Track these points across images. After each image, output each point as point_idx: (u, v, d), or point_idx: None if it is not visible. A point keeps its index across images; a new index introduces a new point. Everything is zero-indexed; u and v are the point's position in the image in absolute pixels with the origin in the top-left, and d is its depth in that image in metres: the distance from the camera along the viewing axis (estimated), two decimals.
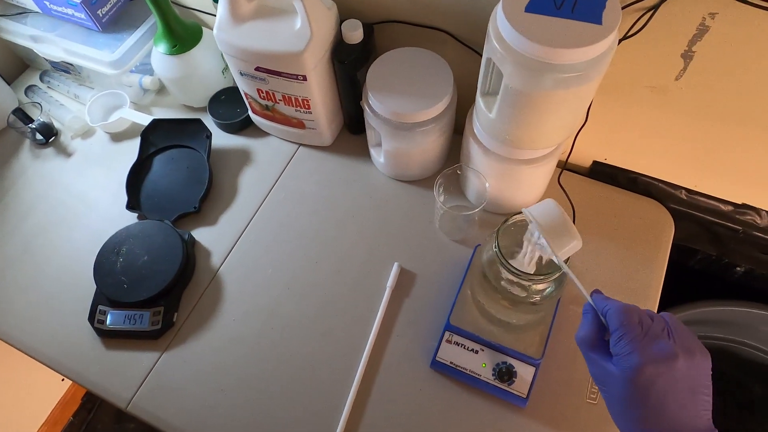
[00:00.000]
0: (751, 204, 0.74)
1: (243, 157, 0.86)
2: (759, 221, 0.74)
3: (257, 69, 0.72)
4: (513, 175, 0.68)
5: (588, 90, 0.56)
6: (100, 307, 0.72)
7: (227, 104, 0.89)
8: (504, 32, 0.52)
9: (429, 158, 0.78)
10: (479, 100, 0.63)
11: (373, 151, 0.81)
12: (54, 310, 0.75)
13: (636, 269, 0.72)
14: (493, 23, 0.55)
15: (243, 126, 0.89)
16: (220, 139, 0.88)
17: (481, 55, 0.71)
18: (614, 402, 0.42)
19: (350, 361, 0.68)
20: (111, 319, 0.71)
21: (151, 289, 0.71)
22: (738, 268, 0.84)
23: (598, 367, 0.43)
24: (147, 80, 0.92)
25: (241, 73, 0.75)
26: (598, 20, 0.50)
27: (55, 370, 0.71)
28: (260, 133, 0.89)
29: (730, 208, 0.75)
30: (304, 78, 0.71)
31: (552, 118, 0.59)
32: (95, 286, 0.73)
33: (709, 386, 0.40)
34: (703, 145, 0.69)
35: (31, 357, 0.73)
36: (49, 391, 1.46)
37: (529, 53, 0.51)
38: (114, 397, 0.68)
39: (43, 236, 0.82)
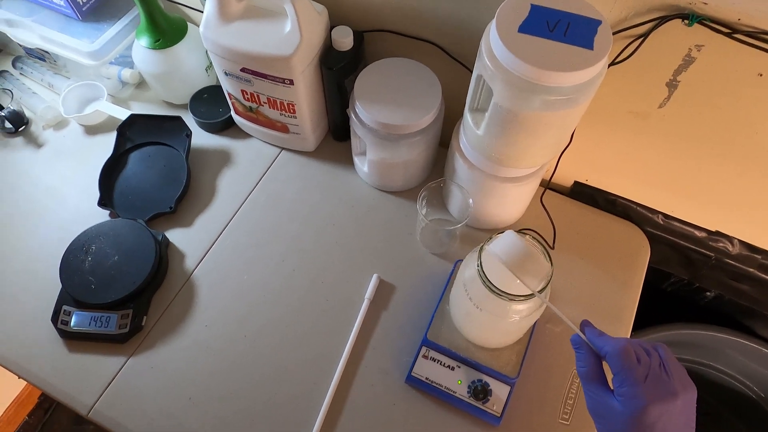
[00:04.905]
0: (724, 232, 0.75)
1: (223, 158, 0.84)
2: (731, 249, 0.76)
3: (243, 70, 0.71)
4: (497, 191, 0.68)
5: (575, 113, 0.56)
6: (64, 307, 0.68)
7: (209, 103, 0.86)
8: (496, 51, 0.52)
9: (413, 170, 0.77)
10: (467, 116, 0.63)
11: (357, 160, 0.80)
12: (14, 308, 0.71)
13: (612, 290, 0.72)
14: (485, 41, 0.55)
15: (224, 126, 0.87)
16: (201, 138, 0.86)
17: (470, 70, 0.71)
18: None
19: (324, 373, 0.66)
20: (76, 320, 0.68)
21: (120, 290, 0.68)
22: (708, 293, 0.86)
23: (598, 400, 0.44)
24: (126, 73, 0.89)
25: (226, 73, 0.74)
26: (589, 45, 0.51)
27: (11, 371, 0.68)
28: (242, 134, 0.87)
29: (704, 234, 0.76)
30: (291, 82, 0.70)
31: (538, 139, 0.59)
32: (60, 285, 0.70)
33: (695, 416, 0.41)
34: (680, 171, 0.71)
35: None
36: (4, 389, 1.39)
37: (520, 73, 0.51)
38: (75, 403, 0.65)
39: (8, 229, 0.78)
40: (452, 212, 0.78)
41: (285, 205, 0.80)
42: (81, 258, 0.71)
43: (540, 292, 0.51)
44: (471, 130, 0.63)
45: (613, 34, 0.56)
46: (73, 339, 0.68)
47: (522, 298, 0.51)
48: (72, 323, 0.68)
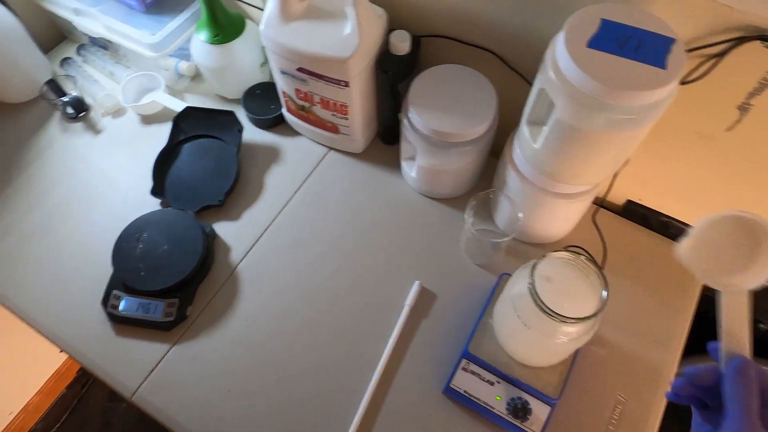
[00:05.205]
0: None
1: (272, 155, 0.85)
2: None
3: (299, 69, 0.71)
4: (548, 207, 0.67)
5: (640, 133, 0.54)
6: (114, 291, 0.71)
7: (261, 99, 0.87)
8: (563, 65, 0.51)
9: (462, 178, 0.76)
10: (524, 129, 0.62)
11: (405, 165, 0.80)
12: (67, 289, 0.74)
13: (661, 315, 0.70)
14: (551, 54, 0.53)
15: (275, 123, 0.87)
16: (251, 133, 0.87)
17: (527, 81, 0.70)
18: None
19: (361, 377, 0.66)
20: (124, 305, 0.70)
21: (168, 279, 0.70)
22: (761, 325, 0.82)
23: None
24: (183, 65, 0.91)
25: (282, 72, 0.74)
26: (661, 64, 0.49)
27: (62, 350, 0.71)
28: (291, 131, 0.88)
29: None
30: (347, 84, 0.70)
31: (597, 157, 0.57)
32: (112, 270, 0.72)
33: None
34: (742, 197, 0.68)
35: (40, 333, 0.72)
36: (46, 361, 1.45)
37: (587, 90, 0.50)
38: (119, 385, 0.67)
39: (64, 212, 0.81)
40: (498, 223, 0.76)
41: (330, 205, 0.80)
42: (133, 245, 0.73)
43: (594, 315, 0.49)
44: (527, 143, 0.62)
45: (687, 51, 0.54)
46: (120, 323, 0.70)
47: (573, 320, 0.50)
48: (120, 308, 0.70)
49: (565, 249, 0.54)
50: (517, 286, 0.56)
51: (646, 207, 0.77)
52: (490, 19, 0.67)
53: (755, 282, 0.38)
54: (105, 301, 0.70)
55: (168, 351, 0.69)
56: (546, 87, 0.54)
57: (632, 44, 0.50)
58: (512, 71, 0.71)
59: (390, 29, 0.71)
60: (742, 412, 0.35)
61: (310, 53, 0.68)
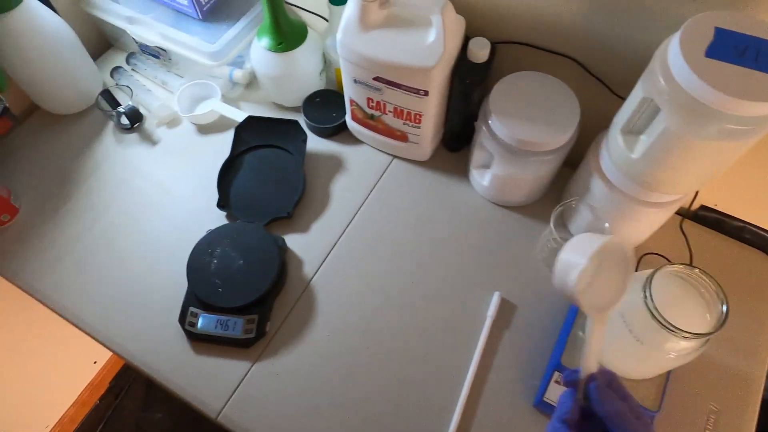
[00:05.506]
0: None
1: (335, 164, 0.84)
2: None
3: (376, 78, 0.70)
4: (637, 216, 0.66)
5: (749, 144, 0.53)
6: (191, 308, 0.69)
7: (322, 107, 0.86)
8: (678, 74, 0.50)
9: (536, 186, 0.75)
10: (618, 138, 0.61)
11: (475, 173, 0.79)
12: (139, 305, 0.72)
13: (747, 325, 0.69)
14: (660, 62, 0.52)
15: (336, 131, 0.86)
16: (310, 142, 0.85)
17: (609, 88, 0.69)
18: None
19: (449, 390, 0.65)
20: (202, 322, 0.68)
21: (247, 295, 0.68)
22: None
23: None
24: (238, 73, 0.89)
25: (355, 80, 0.73)
26: None
27: (142, 371, 0.68)
28: (352, 140, 0.86)
29: None
30: (426, 93, 0.69)
31: (702, 167, 0.56)
32: (185, 286, 0.70)
33: None
34: None
35: (114, 352, 0.70)
36: (80, 372, 1.43)
37: (705, 99, 0.48)
38: (204, 406, 0.65)
39: (128, 225, 0.79)
40: (573, 231, 0.75)
41: (400, 215, 0.79)
42: (207, 260, 0.71)
43: (715, 331, 0.49)
44: (621, 153, 0.61)
45: None
46: (198, 341, 0.69)
47: (693, 336, 0.49)
48: (199, 325, 0.68)
49: (680, 264, 0.53)
50: (626, 298, 0.55)
51: (720, 212, 0.76)
52: (574, 25, 0.66)
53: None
54: (182, 318, 0.69)
55: (250, 368, 0.67)
56: (654, 96, 0.53)
57: (751, 53, 0.49)
58: (592, 78, 0.70)
59: (466, 36, 0.70)
60: (619, 418, 0.39)
61: (392, 62, 0.66)
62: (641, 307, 0.52)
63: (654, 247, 0.74)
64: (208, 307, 0.69)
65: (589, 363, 0.42)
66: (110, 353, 1.47)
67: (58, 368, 1.35)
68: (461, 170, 0.82)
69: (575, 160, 0.75)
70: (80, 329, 0.73)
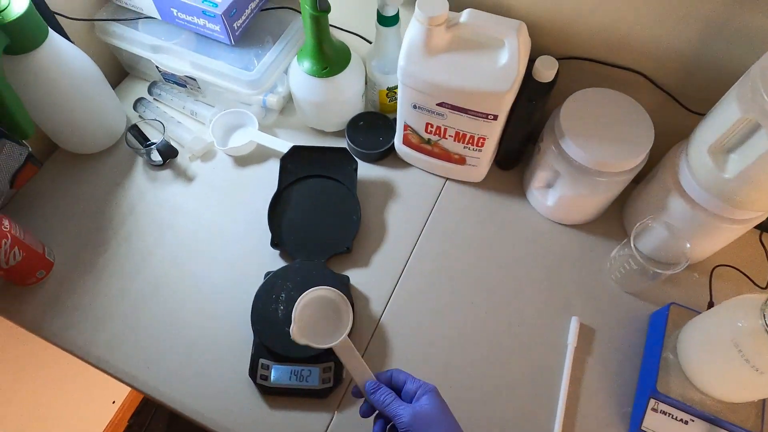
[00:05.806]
0: None
1: (386, 190, 0.80)
2: None
3: (440, 104, 0.66)
4: (720, 233, 0.65)
5: None
6: (261, 360, 0.65)
7: (366, 131, 0.82)
8: None
9: (604, 205, 0.73)
10: (706, 157, 0.59)
11: (536, 192, 0.76)
12: (202, 362, 0.67)
13: None
14: (761, 81, 0.50)
15: (383, 156, 0.82)
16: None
17: (681, 104, 0.67)
18: None
19: (542, 425, 0.63)
20: (275, 374, 0.64)
21: None
22: None
23: None
24: (272, 99, 0.84)
25: (415, 106, 0.69)
26: None
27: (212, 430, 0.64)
28: (400, 163, 0.83)
29: None
30: (495, 117, 0.66)
31: None
32: (248, 334, 0.66)
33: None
34: None
35: (186, 416, 0.65)
36: (99, 413, 1.37)
37: None
38: None
39: (176, 271, 0.74)
40: (643, 249, 0.73)
41: (462, 240, 0.76)
42: (272, 307, 0.67)
43: None
44: (709, 172, 0.59)
45: None
46: (273, 395, 0.64)
47: None
48: (272, 378, 0.64)
49: None
50: (738, 324, 0.53)
51: None
52: (643, 39, 0.64)
53: (346, 332, 0.56)
54: (252, 372, 0.64)
55: (331, 420, 0.64)
56: (755, 116, 0.52)
57: None
58: (659, 92, 0.68)
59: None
60: (390, 408, 0.51)
61: (461, 88, 0.63)
62: (760, 335, 0.50)
63: (725, 259, 0.73)
64: (280, 358, 0.65)
65: (359, 380, 0.55)
66: (128, 390, 1.41)
67: (77, 409, 1.28)
68: (516, 189, 0.80)
69: (638, 175, 0.73)
70: (143, 393, 0.67)
